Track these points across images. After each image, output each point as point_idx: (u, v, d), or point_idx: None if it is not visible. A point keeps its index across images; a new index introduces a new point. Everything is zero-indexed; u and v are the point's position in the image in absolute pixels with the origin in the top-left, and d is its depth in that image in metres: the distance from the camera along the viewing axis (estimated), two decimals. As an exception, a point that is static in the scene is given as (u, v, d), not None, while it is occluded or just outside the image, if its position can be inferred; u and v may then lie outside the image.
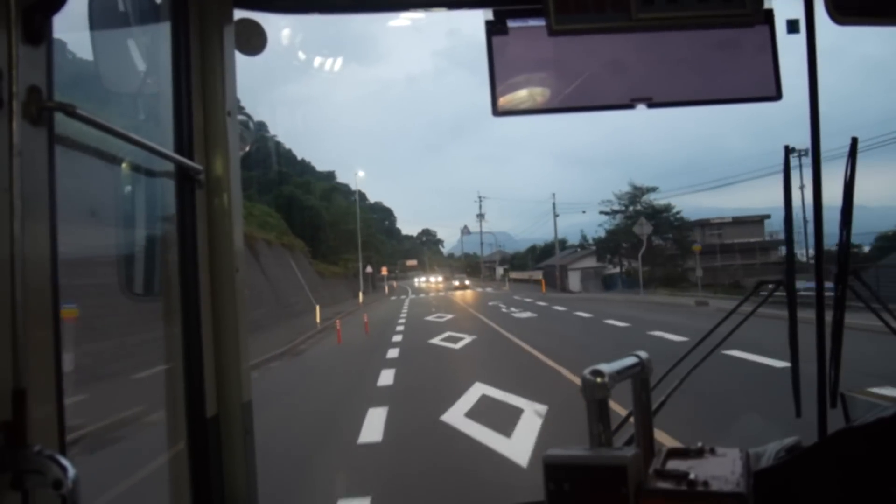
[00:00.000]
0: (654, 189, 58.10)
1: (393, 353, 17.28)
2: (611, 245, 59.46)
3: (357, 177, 74.81)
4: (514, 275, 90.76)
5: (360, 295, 53.39)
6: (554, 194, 72.19)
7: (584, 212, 73.72)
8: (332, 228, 63.15)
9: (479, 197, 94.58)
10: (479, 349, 17.65)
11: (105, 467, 6.96)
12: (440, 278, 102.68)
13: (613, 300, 39.44)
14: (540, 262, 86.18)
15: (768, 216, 61.06)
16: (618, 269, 59.22)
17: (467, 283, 78.16)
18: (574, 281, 61.24)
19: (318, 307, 30.69)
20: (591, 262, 63.68)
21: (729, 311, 2.05)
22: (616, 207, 59.31)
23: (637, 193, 57.71)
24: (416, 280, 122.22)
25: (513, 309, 33.75)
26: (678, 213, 56.56)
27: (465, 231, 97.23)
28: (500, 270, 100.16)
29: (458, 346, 18.29)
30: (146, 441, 7.51)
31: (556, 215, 67.02)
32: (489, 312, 32.38)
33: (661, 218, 54.56)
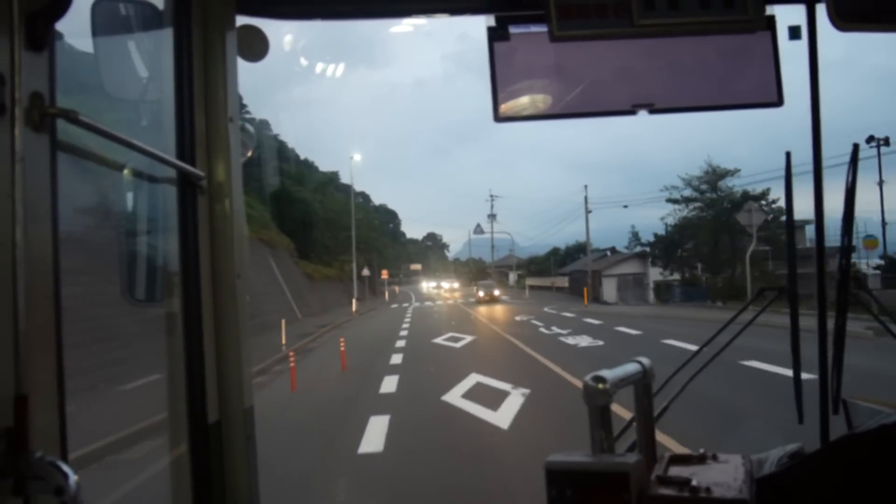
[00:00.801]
0: (734, 172, 42.87)
1: (376, 428, 8.80)
2: (675, 243, 45.55)
3: (352, 161, 55.99)
4: (531, 281, 77.15)
5: (354, 303, 43.21)
6: (586, 186, 54.40)
7: (625, 206, 62.43)
8: (327, 226, 53.88)
9: (491, 196, 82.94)
10: (552, 430, 8.17)
11: (107, 473, 6.96)
12: (455, 284, 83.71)
13: (699, 319, 24.70)
14: (563, 267, 74.97)
15: (810, 221, 46.38)
16: (675, 277, 46.73)
17: (497, 293, 52.94)
18: (609, 289, 50.93)
19: (283, 323, 21.36)
20: (629, 268, 53.41)
21: (730, 317, 2.06)
22: (688, 194, 44.17)
23: (714, 177, 42.87)
24: (423, 285, 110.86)
25: (556, 329, 23.34)
26: (774, 202, 39.77)
27: (479, 230, 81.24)
28: (512, 276, 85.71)
29: (505, 415, 9.17)
30: (148, 447, 7.52)
31: (588, 211, 53.77)
32: (525, 334, 22.20)
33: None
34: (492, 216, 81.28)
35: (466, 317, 35.06)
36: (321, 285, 46.73)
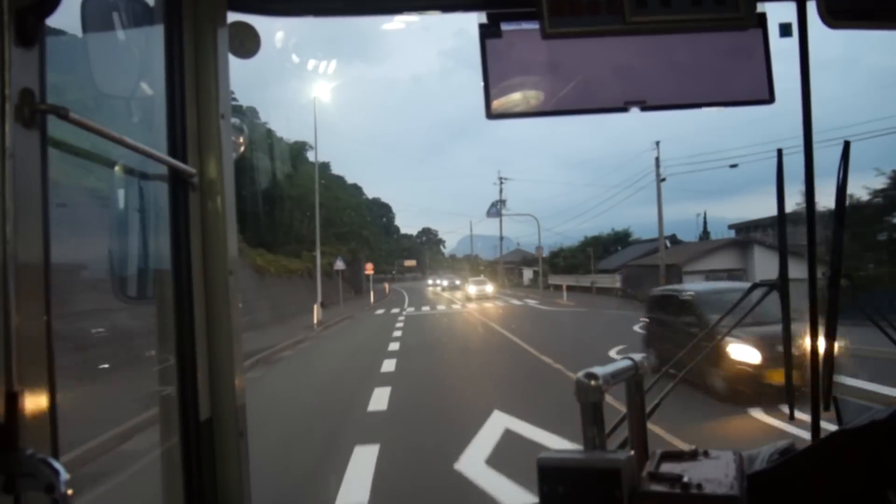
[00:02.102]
0: None
1: None
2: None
3: (315, 102, 35.76)
4: (556, 280, 55.28)
5: (317, 310, 28.67)
6: (658, 143, 35.61)
7: (734, 165, 35.14)
8: (296, 206, 40.96)
9: (500, 178, 64.70)
10: None
11: (98, 470, 6.95)
12: (487, 287, 50.46)
13: None
14: (605, 260, 54.57)
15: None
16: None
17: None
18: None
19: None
20: (720, 262, 36.25)
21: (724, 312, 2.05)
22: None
23: None
24: (428, 282, 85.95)
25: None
26: None
27: (493, 212, 62.72)
28: (528, 273, 67.10)
29: None
30: (140, 444, 7.50)
31: (660, 179, 35.53)
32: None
33: None
34: (501, 202, 64.70)
35: (506, 345, 18.50)
36: (279, 283, 34.38)
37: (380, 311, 37.73)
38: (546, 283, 54.00)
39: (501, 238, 71.77)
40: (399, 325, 26.70)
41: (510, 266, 77.54)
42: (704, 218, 49.58)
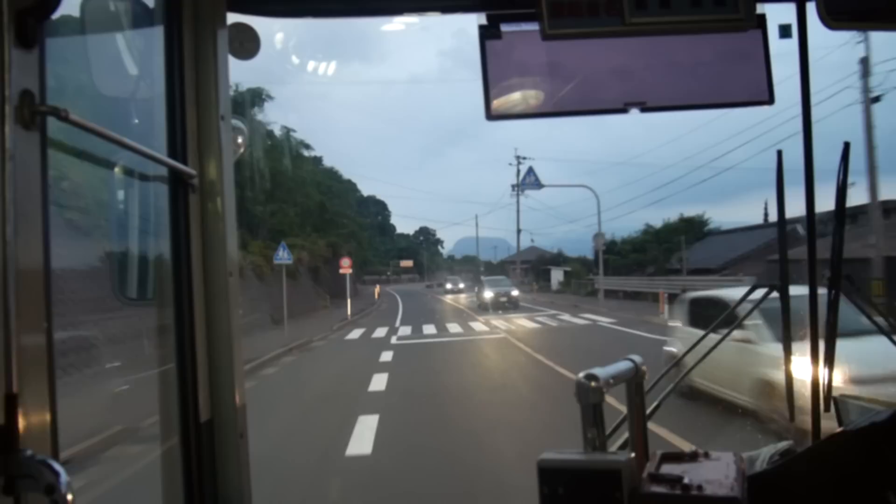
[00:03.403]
0: None
1: None
2: None
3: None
4: (608, 282, 37.31)
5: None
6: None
7: None
8: (248, 183, 28.51)
9: (517, 158, 53.34)
10: None
11: (99, 472, 6.94)
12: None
13: None
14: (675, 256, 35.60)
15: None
16: None
17: None
18: None
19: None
20: None
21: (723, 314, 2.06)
22: None
23: None
24: (447, 286, 65.56)
25: None
26: None
27: (533, 181, 44.51)
28: (557, 274, 52.36)
29: None
30: (140, 445, 7.50)
31: (872, 98, 19.14)
32: None
33: None
34: (518, 186, 51.97)
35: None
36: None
37: (354, 335, 24.05)
38: (592, 288, 38.12)
39: (519, 231, 56.58)
40: (377, 386, 12.67)
41: (526, 266, 63.33)
42: (765, 208, 42.82)
